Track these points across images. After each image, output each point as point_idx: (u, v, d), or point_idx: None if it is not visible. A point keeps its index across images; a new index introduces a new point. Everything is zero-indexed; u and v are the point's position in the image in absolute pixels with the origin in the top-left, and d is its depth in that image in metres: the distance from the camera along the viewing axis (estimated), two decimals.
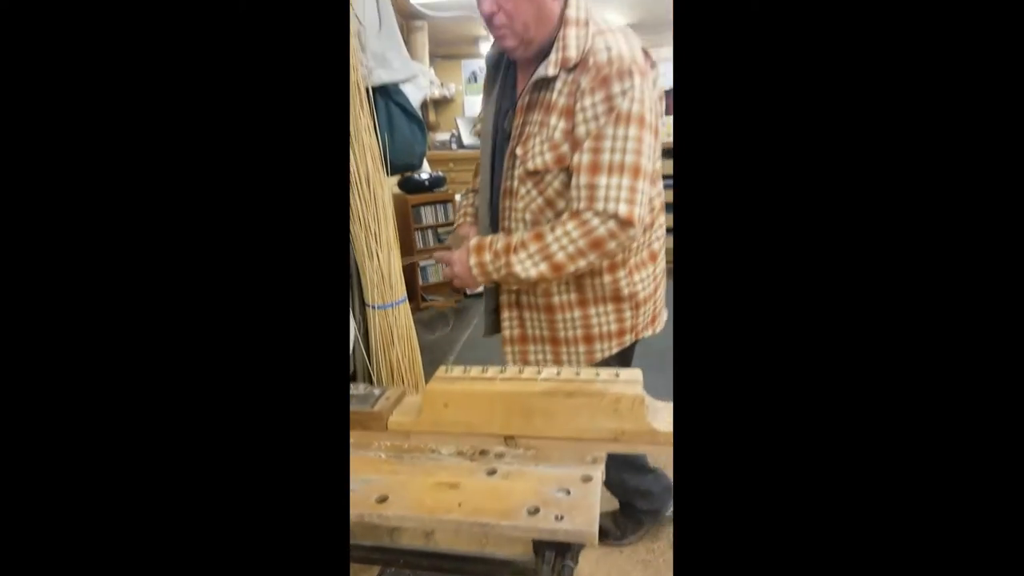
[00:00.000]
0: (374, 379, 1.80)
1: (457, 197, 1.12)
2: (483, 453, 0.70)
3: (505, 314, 1.03)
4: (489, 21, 0.87)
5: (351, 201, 1.71)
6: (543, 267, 0.86)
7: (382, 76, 1.75)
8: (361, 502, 0.62)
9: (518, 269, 0.87)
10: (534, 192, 0.92)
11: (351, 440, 0.73)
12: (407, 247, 3.55)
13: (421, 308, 3.49)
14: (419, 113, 1.87)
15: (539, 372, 0.70)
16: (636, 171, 0.84)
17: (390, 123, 1.74)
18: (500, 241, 0.90)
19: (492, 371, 0.72)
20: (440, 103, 4.88)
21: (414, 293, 3.48)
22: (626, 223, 0.84)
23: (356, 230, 1.75)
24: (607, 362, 1.00)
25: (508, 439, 0.70)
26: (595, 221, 0.85)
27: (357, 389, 0.77)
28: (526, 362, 1.05)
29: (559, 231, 0.86)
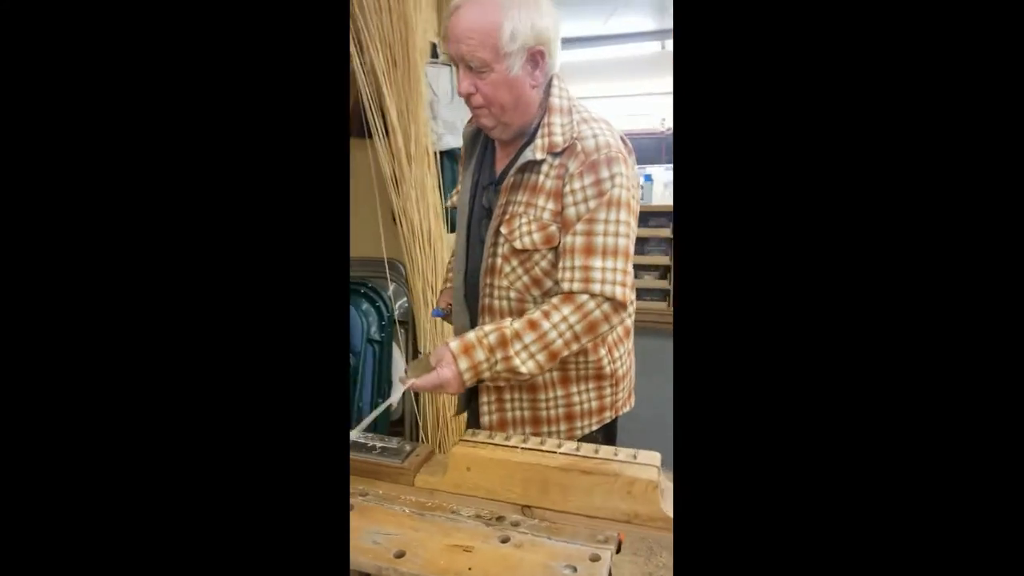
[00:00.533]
0: (419, 424, 1.87)
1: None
2: (500, 519, 0.73)
3: (484, 398, 0.98)
4: (467, 101, 0.91)
5: (413, 254, 1.84)
6: (541, 358, 0.84)
7: (450, 142, 1.89)
8: (381, 555, 0.66)
9: (517, 363, 0.83)
10: (520, 270, 0.92)
11: (379, 492, 0.78)
12: None
13: None
14: None
15: (559, 445, 0.73)
16: (627, 254, 0.88)
17: (453, 184, 1.87)
18: (492, 335, 0.84)
19: (515, 439, 0.76)
20: None
21: None
22: (620, 305, 0.86)
23: (414, 280, 1.87)
24: (589, 439, 0.98)
25: (525, 508, 0.73)
26: (591, 304, 0.85)
27: (390, 443, 0.83)
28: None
29: (556, 317, 0.85)
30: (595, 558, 0.65)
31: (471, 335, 0.85)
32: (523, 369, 0.83)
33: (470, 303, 1.00)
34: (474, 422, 1.02)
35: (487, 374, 0.84)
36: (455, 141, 1.90)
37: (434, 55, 1.93)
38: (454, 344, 0.84)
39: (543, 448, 0.73)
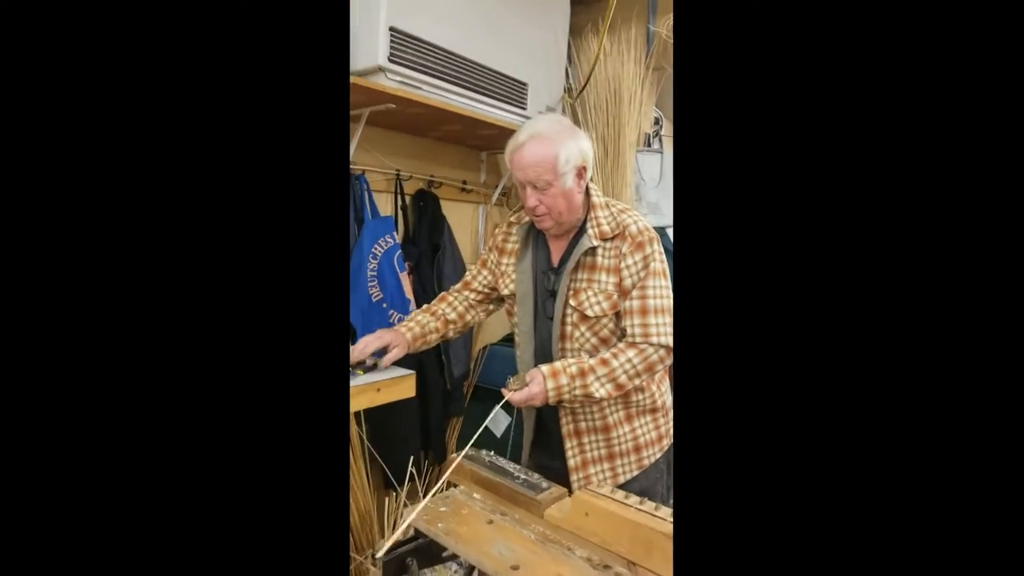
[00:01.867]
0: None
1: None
2: (607, 567, 0.80)
3: (567, 444, 1.19)
4: (533, 211, 1.15)
5: None
6: (609, 387, 1.09)
7: (653, 221, 2.03)
8: (501, 563, 0.80)
9: (593, 389, 1.08)
10: (588, 334, 1.16)
11: (516, 516, 0.93)
12: None
13: None
14: None
15: (672, 514, 0.79)
16: (670, 311, 1.12)
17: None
18: (573, 366, 1.09)
19: (633, 499, 0.84)
20: None
21: None
22: (671, 351, 1.12)
23: None
24: (656, 466, 1.22)
25: (632, 564, 0.79)
26: (650, 350, 1.10)
27: (531, 477, 0.97)
28: (589, 484, 1.14)
29: (622, 358, 1.10)
30: None
31: (558, 364, 1.10)
32: (597, 395, 1.08)
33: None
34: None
35: (567, 396, 1.08)
36: (656, 220, 2.03)
37: (647, 144, 2.12)
38: (545, 368, 1.09)
39: (655, 513, 0.79)
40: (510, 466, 1.01)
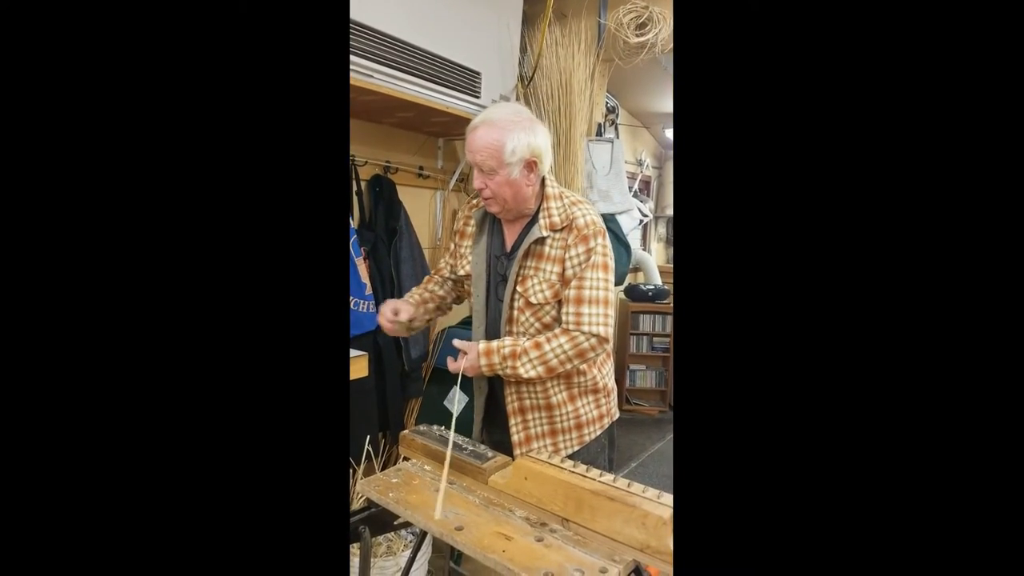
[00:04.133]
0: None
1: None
2: (543, 524, 0.89)
3: (512, 420, 1.28)
4: (480, 193, 1.23)
5: None
6: (540, 369, 1.17)
7: (602, 208, 2.12)
8: (447, 525, 0.88)
9: (521, 371, 1.17)
10: (532, 319, 1.24)
11: (464, 484, 1.00)
12: (621, 349, 3.76)
13: (624, 410, 3.61)
14: (628, 239, 2.16)
15: (600, 475, 0.87)
16: (607, 302, 1.19)
17: None
18: (507, 348, 1.18)
19: (567, 464, 0.92)
20: None
21: (620, 393, 3.63)
22: (603, 339, 1.19)
23: None
24: (597, 441, 1.31)
25: (564, 520, 0.88)
26: (581, 338, 1.17)
27: (478, 448, 1.05)
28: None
29: (555, 343, 1.17)
30: (603, 570, 0.77)
31: (494, 343, 1.19)
32: (524, 375, 1.17)
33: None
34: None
35: (498, 370, 1.19)
36: (606, 207, 2.12)
37: (598, 133, 2.20)
38: (482, 345, 1.19)
39: (585, 474, 0.88)
40: (459, 439, 1.08)
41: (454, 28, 1.79)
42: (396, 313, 1.31)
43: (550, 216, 1.23)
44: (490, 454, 1.03)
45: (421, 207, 2.25)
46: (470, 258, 1.34)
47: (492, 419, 1.35)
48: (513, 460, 1.00)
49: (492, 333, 1.30)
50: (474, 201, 1.38)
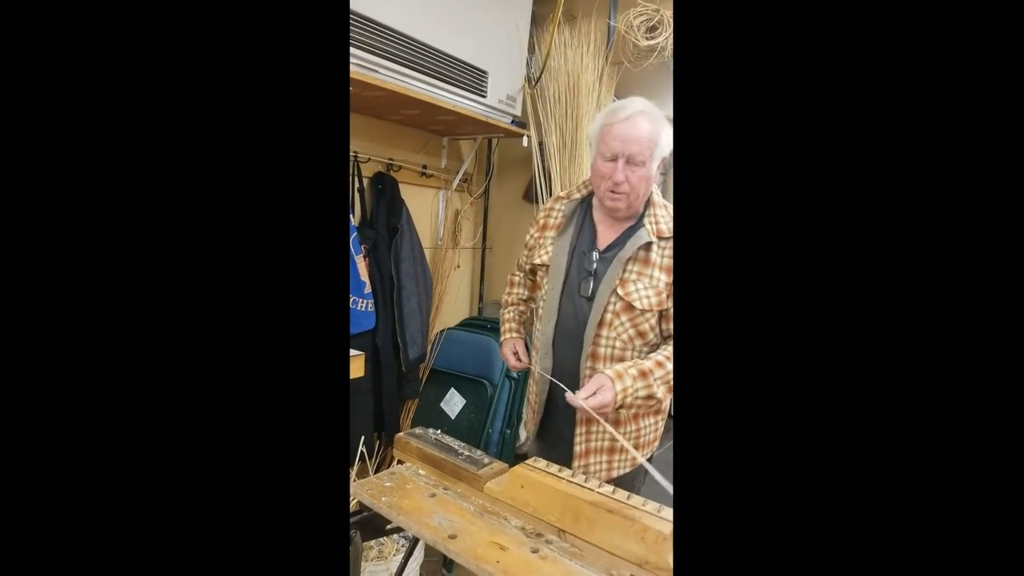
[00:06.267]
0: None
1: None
2: (539, 535, 0.86)
3: (577, 431, 1.21)
4: (615, 186, 1.13)
5: None
6: (664, 388, 1.11)
7: None
8: (440, 533, 0.85)
9: (655, 389, 1.10)
10: (627, 324, 1.16)
11: (458, 490, 0.97)
12: None
13: None
14: None
15: (599, 485, 0.85)
16: None
17: None
18: (632, 368, 1.10)
19: (565, 473, 0.90)
20: None
21: None
22: None
23: None
24: (641, 467, 1.23)
25: (561, 532, 0.85)
26: None
27: (474, 453, 1.02)
28: (587, 473, 1.20)
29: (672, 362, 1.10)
30: None
31: (618, 367, 1.10)
32: (658, 395, 1.10)
33: (556, 347, 1.21)
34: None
35: (630, 399, 1.08)
36: None
37: None
38: (610, 371, 1.08)
39: (583, 484, 0.85)
40: (455, 443, 1.05)
41: (462, 26, 1.77)
42: (518, 356, 1.34)
43: (657, 223, 1.17)
44: (486, 460, 1.01)
45: (423, 206, 2.23)
46: (549, 249, 1.26)
47: (548, 426, 1.29)
48: (564, 470, 0.97)
49: (563, 331, 1.22)
50: (562, 194, 1.33)
